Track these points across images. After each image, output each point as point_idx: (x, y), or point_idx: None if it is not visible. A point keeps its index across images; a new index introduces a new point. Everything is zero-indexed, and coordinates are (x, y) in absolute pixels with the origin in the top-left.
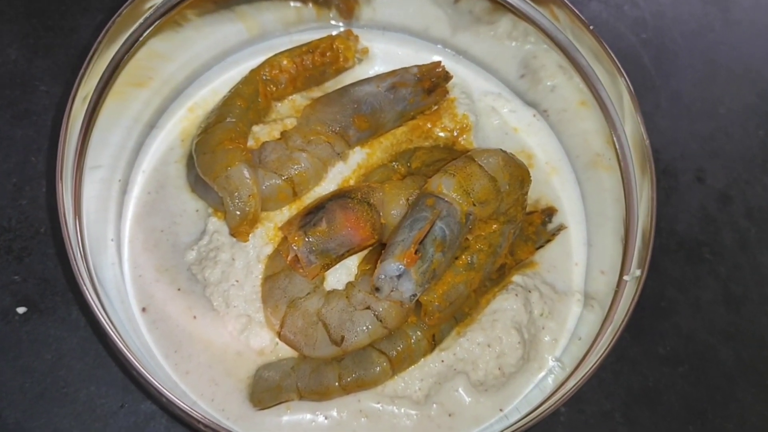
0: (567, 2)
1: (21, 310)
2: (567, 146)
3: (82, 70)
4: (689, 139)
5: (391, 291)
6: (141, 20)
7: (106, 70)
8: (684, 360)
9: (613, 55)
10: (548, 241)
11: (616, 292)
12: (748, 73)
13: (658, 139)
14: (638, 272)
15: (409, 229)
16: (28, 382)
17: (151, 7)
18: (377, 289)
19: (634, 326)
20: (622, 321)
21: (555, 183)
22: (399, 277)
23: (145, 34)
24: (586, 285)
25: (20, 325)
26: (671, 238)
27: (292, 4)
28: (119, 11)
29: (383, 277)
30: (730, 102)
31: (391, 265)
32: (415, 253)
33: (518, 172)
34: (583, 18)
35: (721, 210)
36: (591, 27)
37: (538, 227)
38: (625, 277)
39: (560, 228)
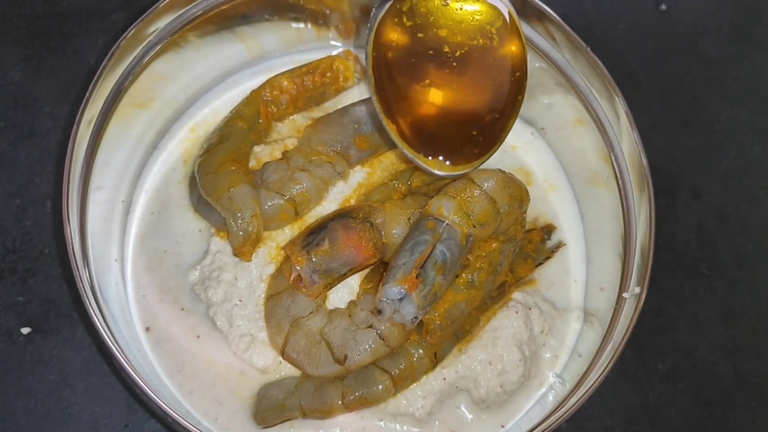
0: (563, 23)
1: (25, 330)
2: (565, 164)
3: (87, 95)
4: (686, 155)
5: (393, 313)
6: (144, 44)
7: (109, 93)
8: (683, 376)
9: (609, 76)
10: (547, 258)
11: (615, 309)
12: (743, 91)
13: (655, 156)
14: (637, 290)
15: (410, 252)
16: (32, 402)
17: (154, 32)
18: (379, 312)
19: (634, 343)
20: (623, 338)
21: (553, 200)
22: (400, 300)
23: (147, 58)
24: (585, 302)
25: (24, 345)
26: (669, 254)
27: (294, 25)
28: (122, 36)
29: (385, 300)
30: (725, 119)
31: (393, 289)
32: (417, 277)
33: (517, 192)
34: (578, 38)
35: (718, 226)
36: (588, 47)
37: (537, 245)
38: (624, 295)
39: (559, 245)
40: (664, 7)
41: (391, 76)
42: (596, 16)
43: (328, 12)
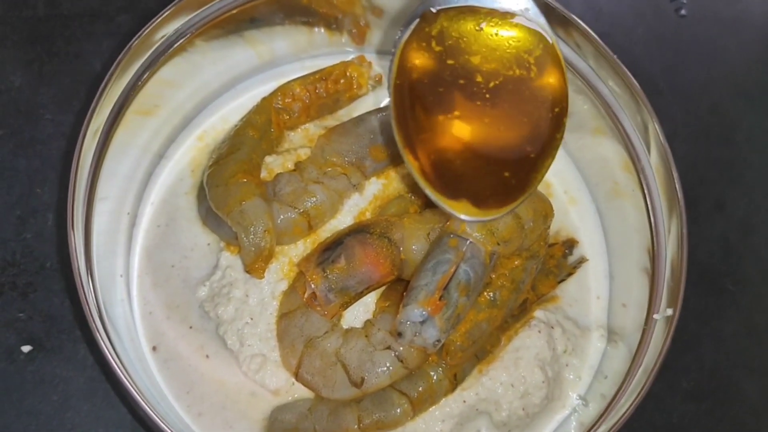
0: (589, 30)
1: (26, 348)
2: (586, 174)
3: (93, 104)
4: (707, 165)
5: (414, 336)
6: (151, 50)
7: (116, 102)
8: (708, 395)
9: (637, 85)
10: (570, 274)
11: (645, 330)
12: (766, 98)
13: (676, 166)
14: (669, 311)
15: (432, 272)
16: (34, 424)
17: (162, 38)
18: (399, 334)
19: None
20: (655, 362)
21: (573, 213)
22: (422, 323)
23: (155, 65)
24: (608, 319)
25: (25, 364)
26: (692, 268)
27: (305, 29)
28: (130, 43)
29: (406, 322)
30: (747, 128)
31: (415, 311)
32: (440, 299)
33: (542, 207)
34: (606, 48)
35: (742, 239)
36: (614, 55)
37: (559, 260)
38: (655, 316)
39: (581, 260)
40: (684, 12)
41: (416, 107)
42: (614, 21)
43: (340, 16)
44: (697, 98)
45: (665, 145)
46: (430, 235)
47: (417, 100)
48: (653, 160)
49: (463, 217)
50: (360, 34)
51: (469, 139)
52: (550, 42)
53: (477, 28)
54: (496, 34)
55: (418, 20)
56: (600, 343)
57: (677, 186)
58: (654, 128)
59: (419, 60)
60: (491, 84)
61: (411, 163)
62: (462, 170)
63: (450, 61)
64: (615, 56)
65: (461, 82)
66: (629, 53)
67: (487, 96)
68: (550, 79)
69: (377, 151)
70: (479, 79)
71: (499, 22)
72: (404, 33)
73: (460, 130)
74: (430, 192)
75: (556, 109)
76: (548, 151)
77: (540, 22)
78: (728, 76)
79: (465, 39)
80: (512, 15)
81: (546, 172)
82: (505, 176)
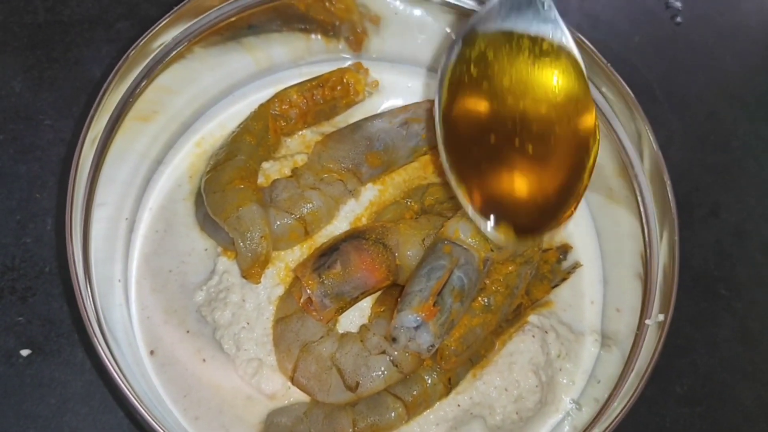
0: (582, 38)
1: (25, 352)
2: None
3: (92, 111)
4: (703, 172)
5: (408, 342)
6: (150, 57)
7: (114, 109)
8: (702, 399)
9: (630, 93)
10: (564, 279)
11: (637, 335)
12: (761, 105)
13: (671, 172)
14: (661, 317)
15: (426, 278)
16: (32, 427)
17: (161, 45)
18: (394, 340)
19: None
20: (647, 367)
21: None
22: (416, 328)
23: (153, 72)
24: (602, 324)
25: (24, 368)
26: (686, 273)
27: (302, 36)
28: (129, 51)
29: (400, 328)
30: (743, 134)
31: (409, 317)
32: (434, 305)
33: None
34: (600, 55)
35: (736, 244)
36: (608, 64)
37: (553, 265)
38: (648, 321)
39: (575, 266)
40: (680, 19)
41: (459, 132)
42: (611, 29)
43: (337, 23)
44: (693, 105)
45: (658, 153)
46: (425, 241)
47: (460, 124)
48: (647, 167)
49: (506, 245)
50: (357, 41)
51: (509, 163)
52: (583, 74)
53: (510, 49)
54: (532, 62)
55: (460, 44)
56: (594, 348)
57: (670, 193)
58: (647, 135)
59: (462, 88)
60: (523, 107)
61: (460, 189)
62: (503, 194)
63: (486, 85)
64: (608, 65)
65: (496, 104)
66: (626, 61)
67: (523, 121)
68: (580, 104)
69: (373, 158)
70: (511, 101)
71: (534, 48)
72: (449, 57)
73: (501, 158)
74: (479, 220)
75: (583, 131)
76: (581, 174)
77: (573, 52)
78: (724, 83)
79: (499, 61)
80: (546, 42)
81: (582, 194)
82: (541, 201)
